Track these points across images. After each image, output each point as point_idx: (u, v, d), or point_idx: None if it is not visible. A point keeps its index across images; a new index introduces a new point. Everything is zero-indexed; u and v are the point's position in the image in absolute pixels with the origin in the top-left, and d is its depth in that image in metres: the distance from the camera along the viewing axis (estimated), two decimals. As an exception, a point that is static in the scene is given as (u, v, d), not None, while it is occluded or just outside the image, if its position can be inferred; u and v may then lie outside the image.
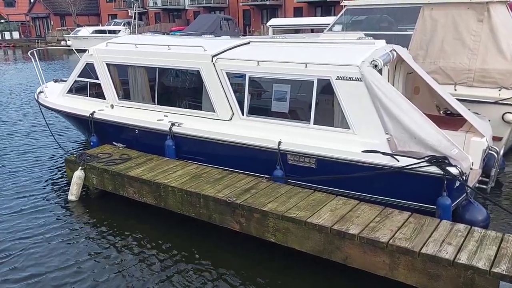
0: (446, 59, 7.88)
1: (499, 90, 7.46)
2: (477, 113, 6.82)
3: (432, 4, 8.11)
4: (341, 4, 10.10)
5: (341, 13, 10.10)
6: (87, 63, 8.00)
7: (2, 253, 5.49)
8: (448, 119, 6.77)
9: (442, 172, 5.04)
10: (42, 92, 9.01)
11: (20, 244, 5.69)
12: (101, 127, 7.83)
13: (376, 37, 6.84)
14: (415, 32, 8.25)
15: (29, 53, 8.98)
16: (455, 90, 7.71)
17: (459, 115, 6.35)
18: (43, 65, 27.17)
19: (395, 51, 6.23)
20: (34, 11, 60.94)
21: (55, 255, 5.41)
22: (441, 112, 7.06)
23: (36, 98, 9.16)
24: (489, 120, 6.78)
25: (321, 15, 36.69)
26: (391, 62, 6.22)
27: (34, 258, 5.36)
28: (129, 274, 4.99)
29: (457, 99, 6.85)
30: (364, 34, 8.38)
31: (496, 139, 7.07)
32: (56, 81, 10.10)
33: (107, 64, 7.75)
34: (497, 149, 5.97)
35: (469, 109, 6.61)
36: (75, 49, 10.00)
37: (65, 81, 8.93)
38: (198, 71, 6.75)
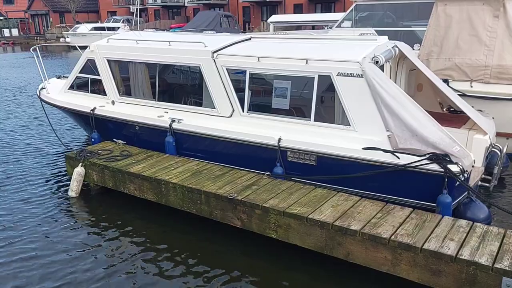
0: (461, 56, 7.79)
1: None
2: (481, 111, 6.80)
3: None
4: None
5: (350, 9, 10.07)
6: (88, 59, 7.98)
7: (1, 249, 5.49)
8: (451, 116, 6.74)
9: (442, 170, 5.03)
10: (44, 88, 9.00)
11: (19, 240, 5.68)
12: (102, 123, 7.82)
13: (386, 33, 6.78)
14: (429, 28, 8.15)
15: (31, 49, 8.96)
16: (471, 87, 7.62)
17: (462, 112, 6.33)
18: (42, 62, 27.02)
19: (398, 47, 6.21)
20: (33, 8, 60.78)
21: (55, 251, 5.40)
22: (444, 109, 7.03)
23: (38, 95, 9.15)
24: (493, 118, 6.74)
25: (321, 12, 36.64)
26: (393, 58, 6.20)
27: (33, 255, 5.35)
28: (129, 270, 4.98)
29: (473, 96, 6.79)
30: (375, 30, 8.30)
31: None
32: (58, 77, 10.09)
33: (108, 60, 7.73)
34: (501, 147, 5.95)
35: (472, 106, 6.58)
36: (78, 46, 9.97)
37: (68, 77, 8.92)
38: (198, 67, 6.73)
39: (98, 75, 7.88)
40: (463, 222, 4.67)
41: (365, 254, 4.53)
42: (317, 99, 5.89)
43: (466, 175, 5.10)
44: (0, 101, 15.23)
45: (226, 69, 6.48)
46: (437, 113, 6.64)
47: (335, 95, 5.72)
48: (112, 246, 5.50)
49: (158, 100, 7.32)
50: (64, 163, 7.90)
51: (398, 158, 5.26)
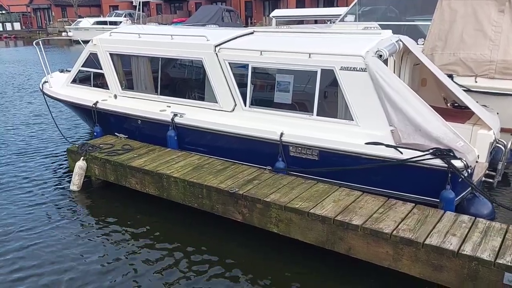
0: (466, 50, 7.69)
1: None
2: (486, 106, 6.75)
3: None
4: None
5: (353, 3, 9.99)
6: (90, 53, 7.96)
7: (3, 242, 5.49)
8: (455, 111, 6.69)
9: (446, 165, 5.00)
10: (47, 82, 9.00)
11: (21, 234, 5.68)
12: (104, 117, 7.81)
13: (389, 27, 6.72)
14: (433, 23, 8.05)
15: (34, 43, 8.96)
16: (476, 82, 7.54)
17: (467, 107, 6.29)
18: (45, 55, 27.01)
19: (402, 41, 6.16)
20: (35, 2, 60.70)
21: (56, 245, 5.41)
22: (448, 104, 6.98)
23: (41, 88, 9.15)
24: (497, 113, 6.70)
25: (323, 7, 36.49)
26: (397, 52, 6.15)
27: (34, 248, 5.36)
28: (130, 264, 4.98)
29: (478, 91, 6.72)
30: (378, 24, 8.21)
31: None
32: (61, 71, 10.08)
33: (110, 54, 7.70)
34: (505, 143, 5.91)
35: (477, 102, 6.54)
36: (81, 40, 9.95)
37: (70, 71, 8.91)
38: (200, 61, 6.71)
39: (101, 69, 7.86)
40: (465, 217, 4.65)
41: (367, 249, 4.52)
42: (320, 93, 5.85)
43: (469, 170, 5.06)
44: (2, 95, 15.23)
45: (229, 63, 6.45)
46: (441, 108, 6.59)
47: (338, 89, 5.68)
48: (112, 240, 5.50)
49: (160, 94, 7.30)
50: (66, 157, 7.91)
51: (401, 153, 5.23)
